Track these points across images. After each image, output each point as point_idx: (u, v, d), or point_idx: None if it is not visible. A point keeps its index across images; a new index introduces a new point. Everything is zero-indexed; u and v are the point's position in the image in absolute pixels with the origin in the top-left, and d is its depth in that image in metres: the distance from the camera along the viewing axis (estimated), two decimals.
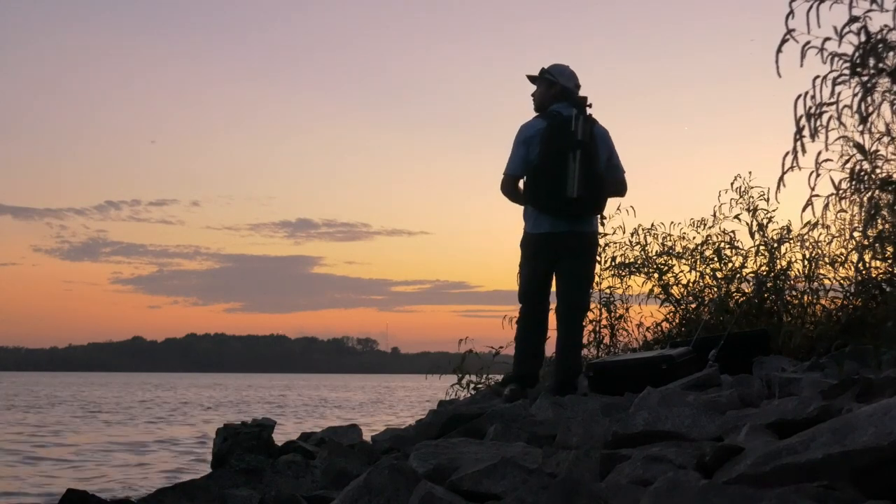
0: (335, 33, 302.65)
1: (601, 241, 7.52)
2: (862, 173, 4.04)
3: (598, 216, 5.26)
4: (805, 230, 6.28)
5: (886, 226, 4.17)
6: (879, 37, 3.80)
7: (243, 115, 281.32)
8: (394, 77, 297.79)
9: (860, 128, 3.91)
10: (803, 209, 4.12)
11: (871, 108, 3.85)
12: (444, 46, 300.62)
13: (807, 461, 1.94)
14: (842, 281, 6.35)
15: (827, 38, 3.87)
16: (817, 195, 4.05)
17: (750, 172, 7.07)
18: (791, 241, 6.82)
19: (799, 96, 3.92)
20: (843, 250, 6.33)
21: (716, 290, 7.04)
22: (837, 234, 6.29)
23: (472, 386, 7.52)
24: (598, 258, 7.45)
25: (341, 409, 20.59)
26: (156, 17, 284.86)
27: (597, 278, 7.48)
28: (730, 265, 7.11)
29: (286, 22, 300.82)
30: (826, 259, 6.54)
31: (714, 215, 7.30)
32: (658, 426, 2.65)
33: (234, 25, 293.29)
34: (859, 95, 3.84)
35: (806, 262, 6.63)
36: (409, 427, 4.85)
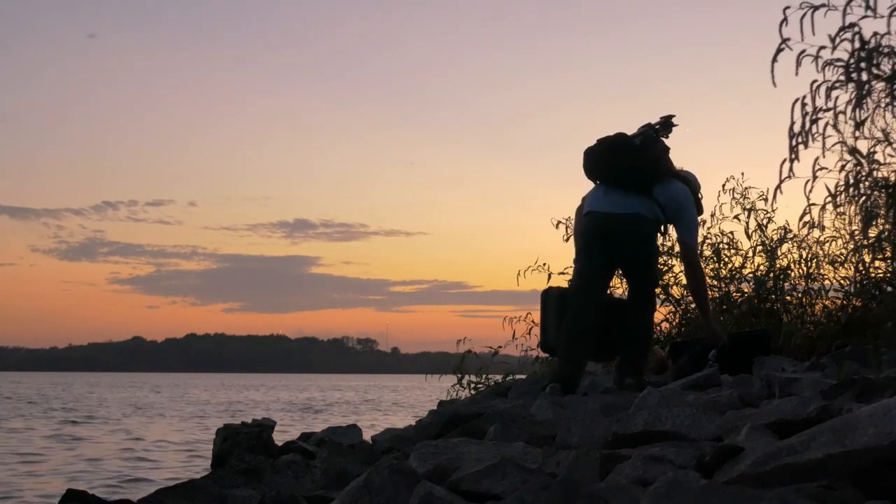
0: (333, 33, 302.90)
1: None
2: (859, 177, 4.03)
3: None
4: (804, 231, 6.28)
5: (886, 226, 4.17)
6: (874, 43, 3.80)
7: (240, 115, 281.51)
8: (391, 76, 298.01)
9: (855, 133, 3.91)
10: (801, 216, 4.12)
11: (865, 114, 3.85)
12: (442, 45, 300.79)
13: (807, 461, 1.94)
14: (842, 281, 6.35)
15: (822, 47, 3.87)
16: (814, 204, 4.05)
17: (742, 173, 7.10)
18: (790, 242, 6.83)
19: (796, 101, 3.92)
20: (843, 250, 6.33)
21: (716, 290, 7.04)
22: (837, 235, 6.30)
23: (472, 386, 7.53)
24: None
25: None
26: (153, 17, 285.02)
27: None
28: (729, 265, 7.11)
29: (283, 22, 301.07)
30: (826, 259, 6.54)
31: (713, 215, 7.31)
32: (658, 426, 2.65)
33: (231, 25, 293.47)
34: (854, 101, 3.84)
35: (804, 263, 6.63)
36: (409, 427, 4.84)
